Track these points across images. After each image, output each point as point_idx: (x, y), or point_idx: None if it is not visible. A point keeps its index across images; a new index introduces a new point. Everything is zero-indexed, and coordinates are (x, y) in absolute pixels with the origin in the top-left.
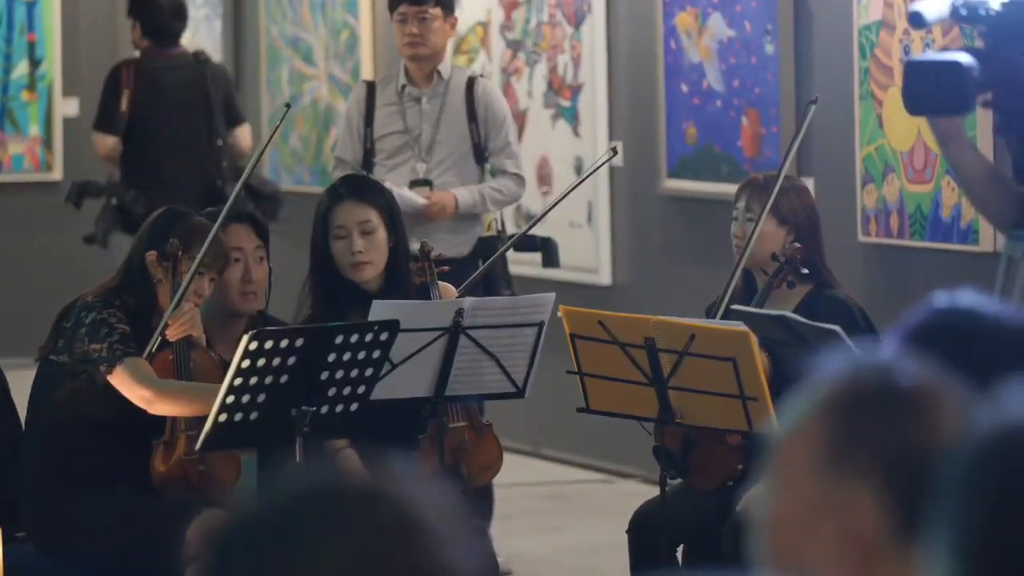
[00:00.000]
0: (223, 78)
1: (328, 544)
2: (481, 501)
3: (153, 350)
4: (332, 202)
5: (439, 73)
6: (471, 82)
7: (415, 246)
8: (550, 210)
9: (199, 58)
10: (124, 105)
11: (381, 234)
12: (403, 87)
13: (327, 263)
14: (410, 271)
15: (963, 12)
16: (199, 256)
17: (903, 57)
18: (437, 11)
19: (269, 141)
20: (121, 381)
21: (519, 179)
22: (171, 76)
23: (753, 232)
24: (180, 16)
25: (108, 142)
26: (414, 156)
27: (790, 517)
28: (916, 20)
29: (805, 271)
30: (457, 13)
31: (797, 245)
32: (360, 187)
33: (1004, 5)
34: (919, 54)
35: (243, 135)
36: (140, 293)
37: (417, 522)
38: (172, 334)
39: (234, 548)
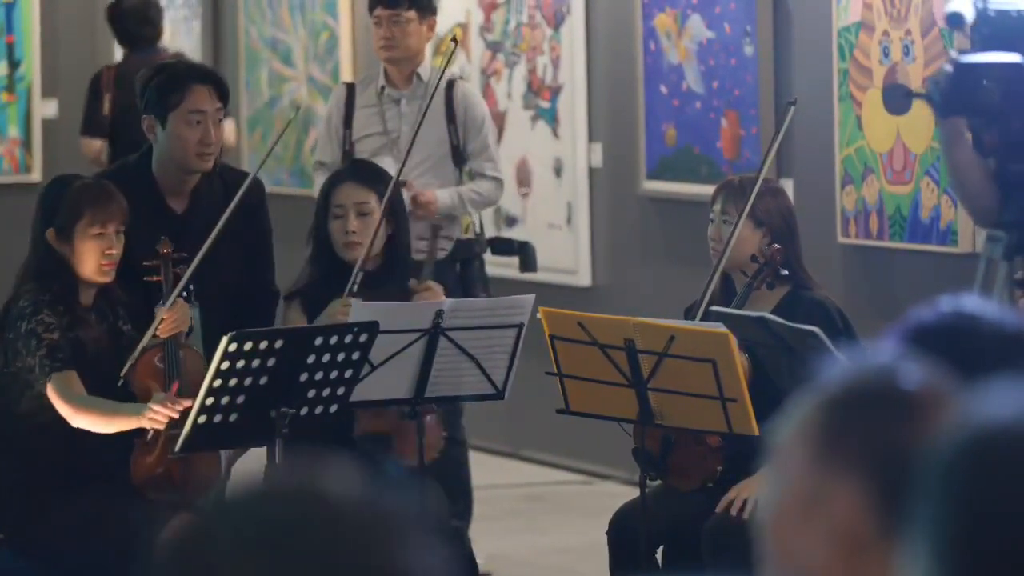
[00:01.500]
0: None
1: (293, 552)
2: (460, 502)
3: (146, 346)
4: (334, 182)
5: (418, 75)
6: (451, 84)
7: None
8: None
9: (178, 59)
10: (106, 109)
11: (376, 218)
12: (382, 88)
13: (325, 241)
14: (408, 262)
15: (991, 13)
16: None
17: (882, 60)
18: (412, 14)
19: (275, 144)
20: (51, 396)
21: (498, 182)
22: (116, 78)
23: (732, 235)
24: (147, 22)
25: (94, 145)
26: (393, 158)
27: (785, 511)
28: (955, 20)
29: (784, 272)
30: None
31: (776, 246)
32: (364, 171)
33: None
34: (965, 54)
35: (227, 129)
36: (58, 273)
37: (384, 527)
38: (163, 331)
39: (201, 556)
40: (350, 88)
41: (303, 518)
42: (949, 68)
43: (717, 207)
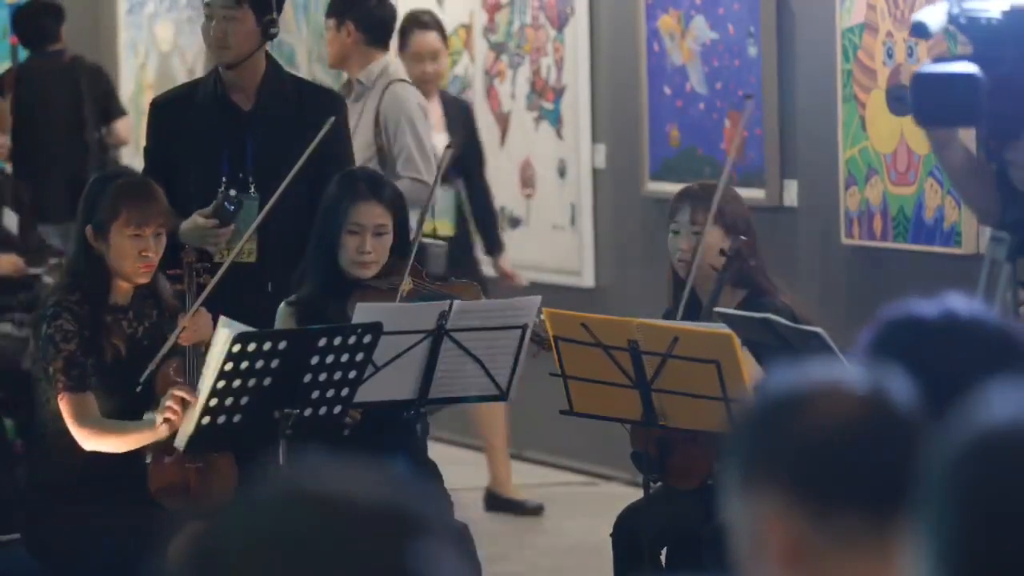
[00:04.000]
0: (97, 78)
1: (306, 555)
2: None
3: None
4: (355, 198)
5: (359, 81)
6: (386, 88)
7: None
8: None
9: (74, 62)
10: (7, 108)
11: (389, 237)
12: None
13: (332, 250)
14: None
15: (962, 20)
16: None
17: (886, 61)
18: (330, 22)
19: (311, 150)
20: (64, 414)
21: (415, 182)
22: (46, 79)
23: (698, 244)
24: (33, 28)
25: None
26: None
27: (742, 535)
28: (920, 30)
29: (753, 262)
30: (440, 11)
31: (743, 238)
32: (386, 191)
33: (1005, 14)
34: (924, 64)
35: (120, 127)
36: (92, 271)
37: (398, 529)
38: (185, 339)
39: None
40: None
41: (315, 520)
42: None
43: (684, 217)
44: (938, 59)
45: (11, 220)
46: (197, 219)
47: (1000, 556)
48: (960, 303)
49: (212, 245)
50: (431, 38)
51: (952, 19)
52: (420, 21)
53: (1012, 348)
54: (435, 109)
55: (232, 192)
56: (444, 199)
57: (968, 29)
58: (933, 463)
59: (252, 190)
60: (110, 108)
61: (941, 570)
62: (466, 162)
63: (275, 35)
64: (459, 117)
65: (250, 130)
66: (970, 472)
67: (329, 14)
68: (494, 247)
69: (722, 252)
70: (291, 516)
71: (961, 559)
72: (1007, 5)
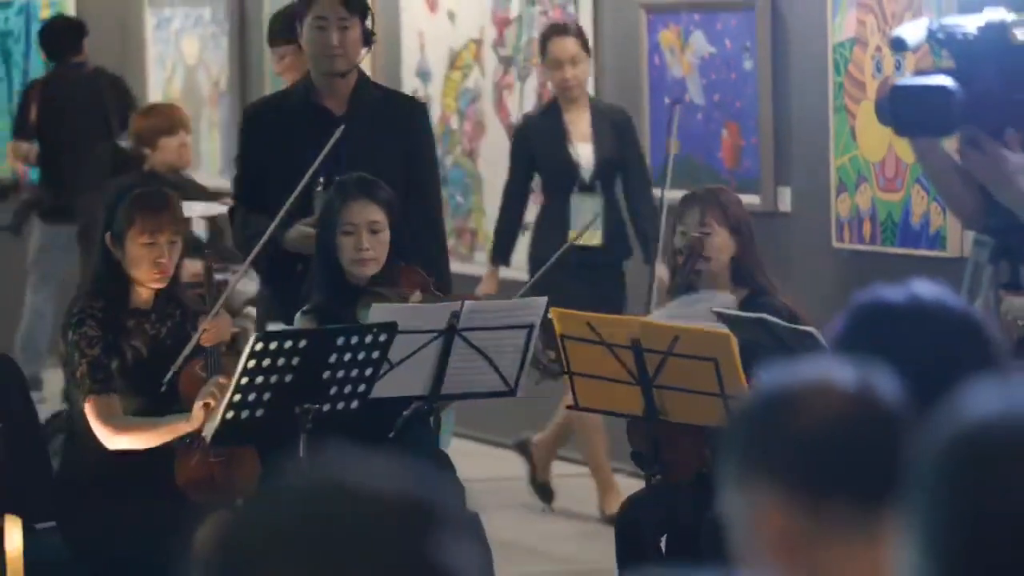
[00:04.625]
0: (119, 87)
1: (331, 546)
2: None
3: (189, 355)
4: (344, 199)
5: None
6: None
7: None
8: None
9: (96, 72)
10: (33, 116)
11: (386, 234)
12: None
13: (332, 254)
14: (399, 267)
15: (940, 36)
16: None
17: (875, 74)
18: (288, 47)
19: (322, 158)
20: (88, 416)
21: None
22: (70, 89)
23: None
24: (57, 42)
25: (22, 147)
26: None
27: (738, 526)
28: (898, 45)
29: (707, 256)
30: (452, 27)
31: (695, 235)
32: (373, 188)
33: (980, 29)
34: (904, 77)
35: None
36: (112, 276)
37: (422, 520)
38: (207, 340)
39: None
40: None
41: (341, 510)
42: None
43: (693, 219)
44: (918, 72)
45: (199, 225)
46: (301, 228)
47: (987, 545)
48: (925, 288)
49: None
50: (569, 43)
51: (930, 35)
52: (558, 27)
53: (973, 327)
54: (582, 119)
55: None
56: (586, 208)
57: (946, 44)
58: (920, 455)
59: None
60: (130, 115)
61: (927, 559)
62: (623, 172)
63: (374, 42)
64: (611, 127)
65: (344, 134)
66: (956, 465)
67: (283, 39)
68: (650, 257)
69: (679, 251)
70: (317, 506)
71: (947, 548)
72: (983, 21)
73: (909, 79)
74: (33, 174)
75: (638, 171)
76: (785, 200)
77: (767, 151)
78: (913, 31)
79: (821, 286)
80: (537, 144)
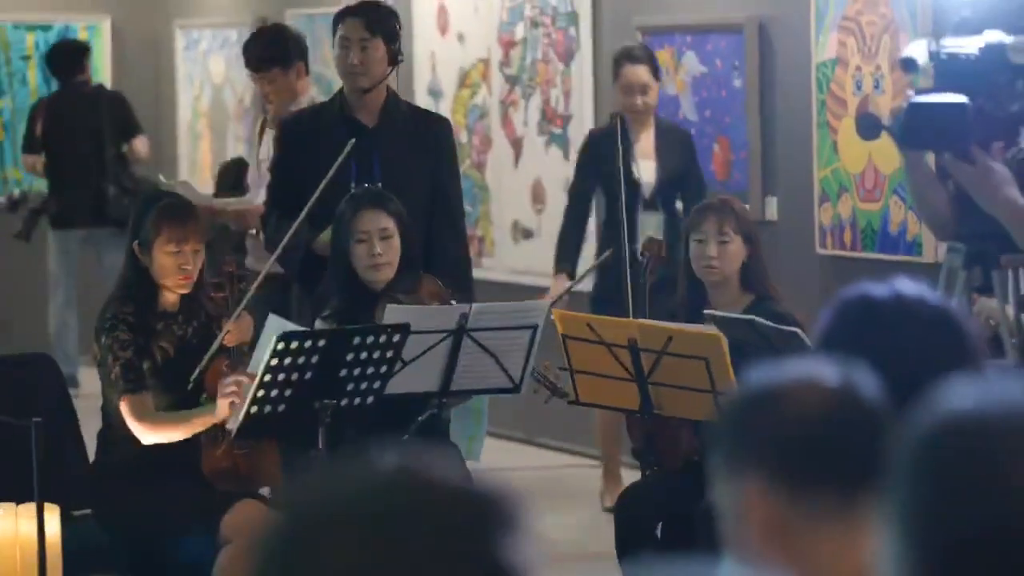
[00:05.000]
0: (116, 102)
1: (394, 537)
2: None
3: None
4: (356, 208)
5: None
6: None
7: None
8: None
9: (97, 90)
10: (39, 131)
11: (397, 240)
12: (264, 120)
13: (347, 263)
14: (419, 273)
15: (943, 56)
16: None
17: (855, 91)
18: (275, 70)
19: (334, 170)
20: (124, 414)
21: None
22: (73, 105)
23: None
24: (62, 63)
25: (29, 160)
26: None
27: (729, 517)
28: (910, 65)
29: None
30: (462, 48)
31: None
32: (381, 197)
33: (981, 50)
34: (918, 95)
35: (138, 144)
36: (140, 282)
37: (485, 515)
38: (230, 341)
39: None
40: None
41: (403, 502)
42: (904, 106)
43: (711, 228)
44: (921, 90)
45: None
46: (331, 233)
47: (958, 533)
48: (908, 285)
49: None
50: (641, 71)
51: (932, 56)
52: (631, 55)
53: (952, 323)
54: (647, 137)
55: None
56: (650, 224)
57: (949, 63)
58: (899, 447)
59: None
60: (128, 128)
61: (906, 546)
62: (683, 189)
63: (401, 61)
64: (674, 145)
65: (376, 145)
66: (932, 456)
67: (271, 64)
68: None
69: (641, 254)
70: (391, 493)
71: (924, 536)
72: (983, 43)
73: (925, 97)
74: (39, 184)
75: (697, 188)
76: (772, 209)
77: (755, 163)
78: (919, 52)
79: (805, 289)
80: (600, 160)
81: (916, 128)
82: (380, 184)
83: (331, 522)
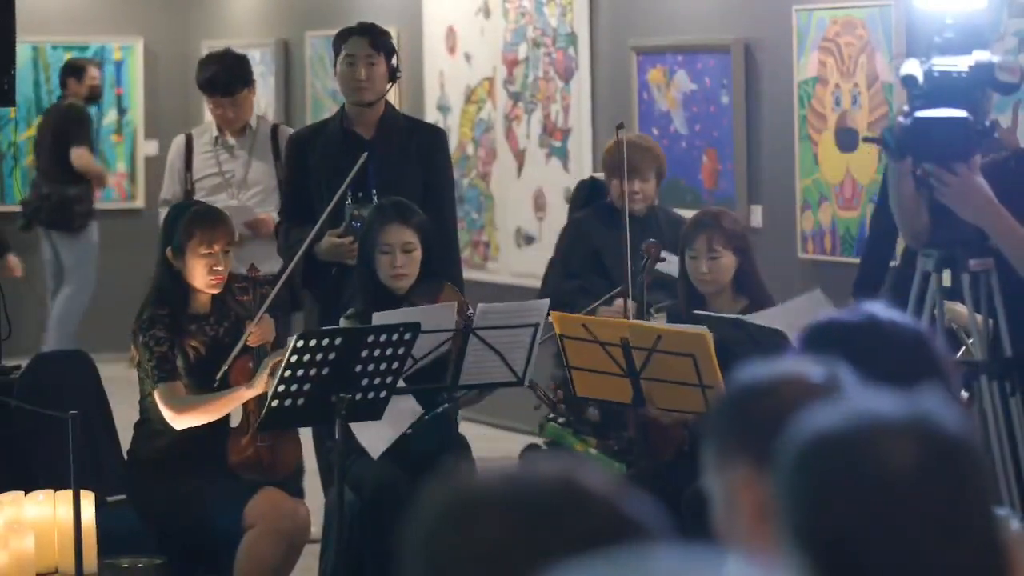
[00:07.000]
0: (64, 115)
1: (553, 533)
2: None
3: (238, 354)
4: (383, 221)
5: (250, 126)
6: (275, 129)
7: (243, 268)
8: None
9: (66, 105)
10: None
11: (418, 252)
12: (216, 137)
13: (371, 269)
14: (441, 282)
15: (935, 73)
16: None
17: (834, 108)
18: (244, 91)
19: (347, 184)
20: (157, 402)
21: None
22: (47, 120)
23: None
24: (60, 80)
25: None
26: (227, 194)
27: (718, 505)
28: (912, 82)
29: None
30: (469, 67)
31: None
32: (407, 213)
33: (971, 68)
34: (915, 110)
35: (73, 155)
36: (174, 285)
37: (643, 533)
38: (253, 341)
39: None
40: (188, 138)
41: (558, 502)
42: (902, 119)
43: (702, 245)
44: (922, 106)
45: None
46: (332, 239)
47: (828, 534)
48: (879, 308)
49: (349, 259)
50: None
51: (926, 74)
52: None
53: (923, 345)
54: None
55: (356, 211)
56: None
57: (941, 80)
58: (778, 462)
59: None
60: (70, 140)
61: (793, 543)
62: None
63: (399, 77)
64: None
65: (371, 155)
66: (803, 469)
67: (242, 86)
68: None
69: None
70: (549, 494)
71: (802, 537)
72: (973, 61)
73: (929, 112)
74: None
75: None
76: (757, 217)
77: (741, 174)
78: (915, 70)
79: (789, 291)
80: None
81: (919, 140)
82: (374, 190)
83: (487, 501)
